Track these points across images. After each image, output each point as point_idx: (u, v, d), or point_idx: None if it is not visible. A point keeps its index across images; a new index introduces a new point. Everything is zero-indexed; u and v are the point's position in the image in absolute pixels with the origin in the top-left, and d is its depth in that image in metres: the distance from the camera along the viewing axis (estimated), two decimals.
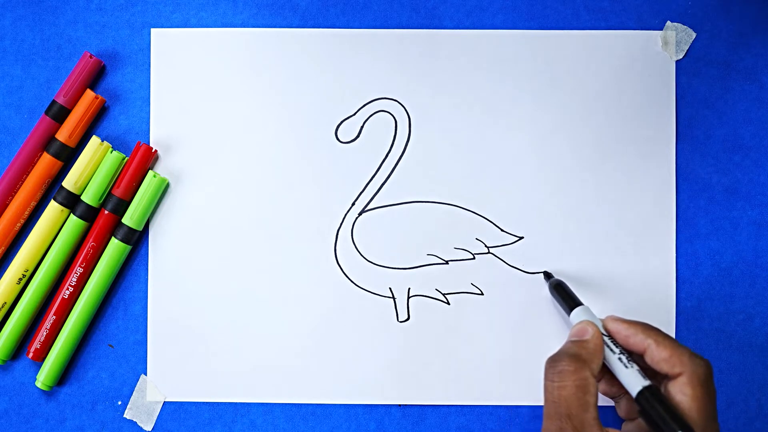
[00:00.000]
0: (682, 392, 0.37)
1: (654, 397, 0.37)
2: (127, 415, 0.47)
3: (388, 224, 0.47)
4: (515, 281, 0.47)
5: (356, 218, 0.47)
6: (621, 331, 0.40)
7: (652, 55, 0.47)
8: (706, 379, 0.37)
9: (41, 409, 0.47)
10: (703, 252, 0.47)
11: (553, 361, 0.39)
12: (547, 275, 0.46)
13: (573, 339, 0.40)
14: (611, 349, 0.40)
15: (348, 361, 0.47)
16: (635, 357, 0.40)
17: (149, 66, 0.48)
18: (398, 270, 0.47)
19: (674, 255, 0.47)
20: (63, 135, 0.46)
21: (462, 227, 0.47)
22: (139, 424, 0.47)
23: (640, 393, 0.38)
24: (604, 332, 0.41)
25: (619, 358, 0.39)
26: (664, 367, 0.38)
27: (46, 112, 0.47)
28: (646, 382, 0.38)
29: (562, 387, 0.37)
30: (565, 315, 0.44)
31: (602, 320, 0.42)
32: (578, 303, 0.43)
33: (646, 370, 0.40)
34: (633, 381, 0.38)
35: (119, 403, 0.47)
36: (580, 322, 0.41)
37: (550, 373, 0.38)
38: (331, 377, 0.47)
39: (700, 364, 0.38)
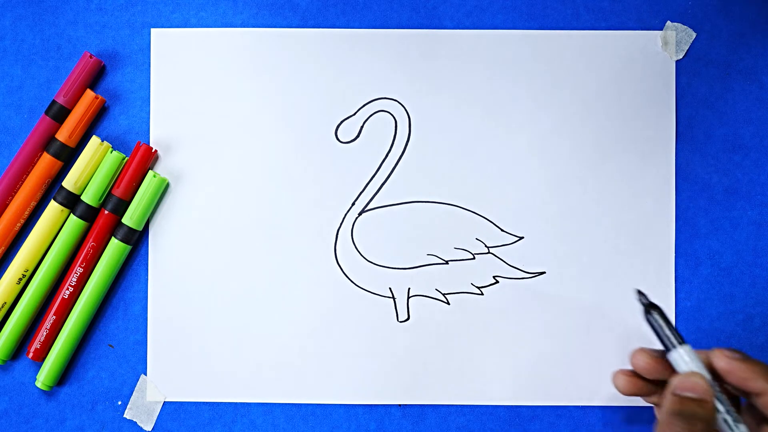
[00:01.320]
0: None
1: None
2: (127, 415, 0.47)
3: (388, 224, 0.47)
4: (515, 281, 0.47)
5: (356, 218, 0.47)
6: (736, 372, 0.36)
7: (652, 55, 0.47)
8: None
9: (41, 409, 0.47)
10: (702, 252, 0.47)
11: (668, 425, 0.35)
12: (641, 294, 0.40)
13: (684, 394, 0.36)
14: (720, 402, 0.35)
15: (348, 361, 0.47)
16: (740, 391, 0.37)
17: (149, 66, 0.48)
18: (398, 270, 0.47)
19: (674, 255, 0.47)
20: (63, 135, 0.46)
21: (462, 227, 0.47)
22: (139, 424, 0.47)
23: None
24: (708, 373, 0.36)
25: (725, 419, 0.35)
26: None
27: (46, 112, 0.47)
28: None
29: None
30: (661, 346, 0.39)
31: (709, 355, 0.37)
32: (680, 341, 0.38)
33: (750, 407, 0.37)
34: None
35: (119, 403, 0.47)
36: (688, 373, 0.36)
37: None
38: (331, 377, 0.47)
39: None
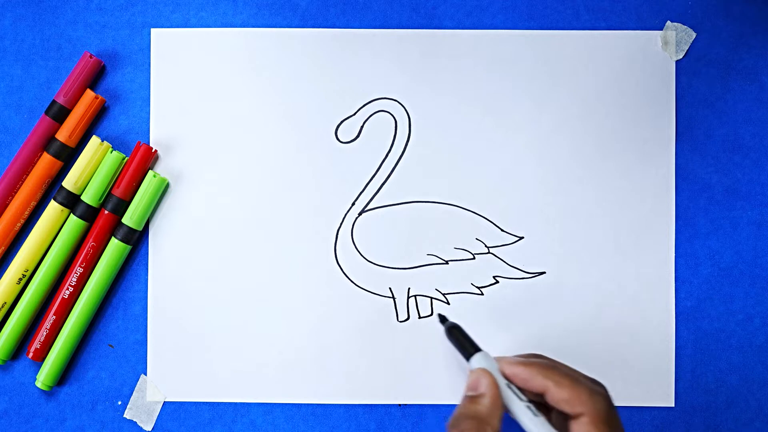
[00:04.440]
0: None
1: None
2: (127, 415, 0.47)
3: (388, 224, 0.47)
4: (515, 281, 0.47)
5: (356, 218, 0.47)
6: (519, 375, 0.39)
7: (652, 55, 0.47)
8: (608, 415, 0.37)
9: (41, 409, 0.47)
10: (702, 252, 0.47)
11: (453, 428, 0.37)
12: (442, 318, 0.44)
13: (468, 393, 0.39)
14: (518, 397, 0.38)
15: (348, 361, 0.47)
16: (535, 395, 0.39)
17: (149, 66, 0.48)
18: (398, 270, 0.47)
19: (674, 255, 0.47)
20: (63, 135, 0.46)
21: (462, 227, 0.47)
22: (139, 424, 0.47)
23: None
24: (503, 378, 0.39)
25: (528, 407, 0.38)
26: (565, 408, 0.37)
27: (46, 112, 0.47)
28: None
29: None
30: (465, 362, 0.42)
31: (498, 363, 0.40)
32: (476, 349, 0.41)
33: (546, 406, 0.39)
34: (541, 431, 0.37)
35: (119, 403, 0.47)
36: (474, 371, 0.39)
37: None
38: (331, 377, 0.47)
39: (599, 401, 0.37)
